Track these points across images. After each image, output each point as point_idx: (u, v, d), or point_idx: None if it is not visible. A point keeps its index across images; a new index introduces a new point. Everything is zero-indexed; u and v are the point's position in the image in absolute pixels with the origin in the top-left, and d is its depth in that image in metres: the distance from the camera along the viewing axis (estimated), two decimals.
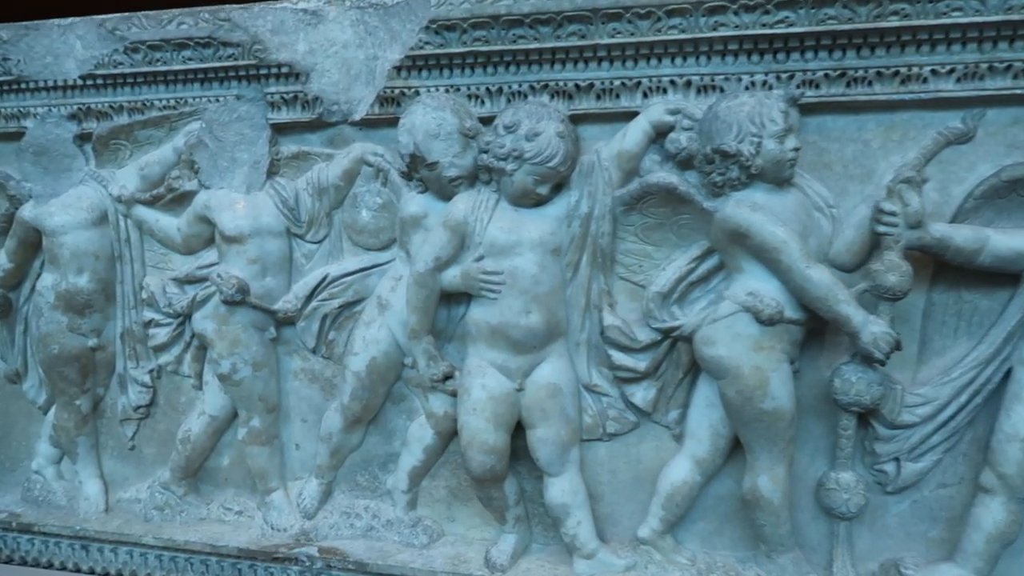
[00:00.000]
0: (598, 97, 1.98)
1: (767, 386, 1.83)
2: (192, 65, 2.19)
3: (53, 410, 2.52)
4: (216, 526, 2.36)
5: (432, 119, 1.98)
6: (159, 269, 2.39)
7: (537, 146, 1.89)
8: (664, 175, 1.91)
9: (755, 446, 1.90)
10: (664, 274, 1.97)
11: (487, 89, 2.04)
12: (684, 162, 1.92)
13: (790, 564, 1.98)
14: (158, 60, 2.21)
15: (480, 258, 1.99)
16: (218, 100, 2.23)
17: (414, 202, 2.10)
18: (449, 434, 2.19)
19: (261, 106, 2.20)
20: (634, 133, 1.93)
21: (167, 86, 2.26)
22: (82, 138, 2.37)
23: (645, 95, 1.95)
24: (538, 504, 2.17)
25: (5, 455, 2.64)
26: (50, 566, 2.48)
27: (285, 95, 2.17)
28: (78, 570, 2.47)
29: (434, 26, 1.99)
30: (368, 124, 2.17)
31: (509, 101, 2.03)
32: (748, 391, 1.84)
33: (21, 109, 2.39)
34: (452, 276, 2.03)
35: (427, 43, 2.02)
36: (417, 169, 2.04)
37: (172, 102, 2.27)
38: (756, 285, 1.84)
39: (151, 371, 2.42)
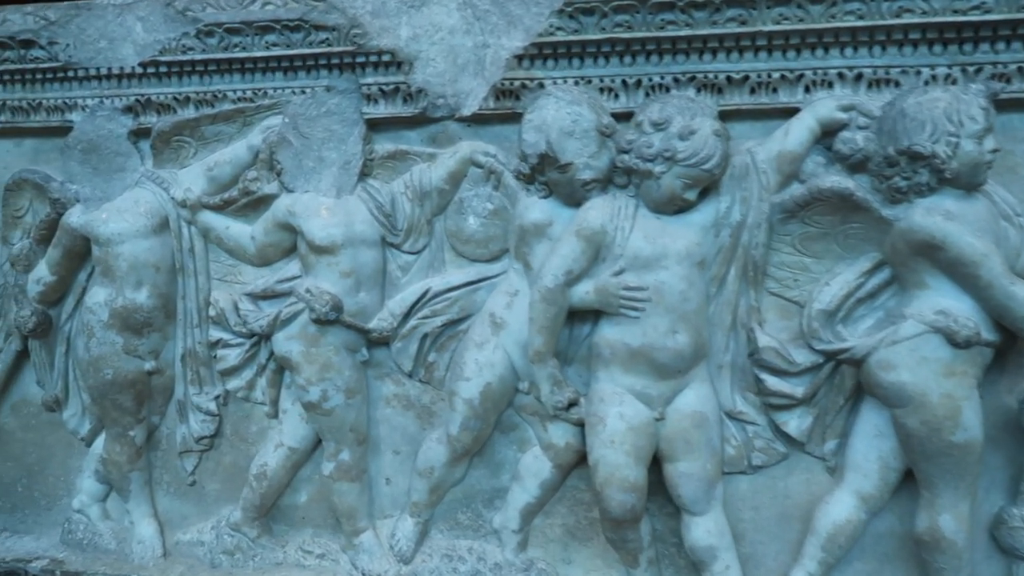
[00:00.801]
0: (752, 91, 1.77)
1: (958, 416, 1.63)
2: (276, 52, 1.93)
3: (101, 442, 2.23)
4: (296, 572, 2.10)
5: (567, 115, 1.75)
6: (227, 283, 2.12)
7: (692, 146, 1.67)
8: (839, 179, 1.70)
9: (937, 481, 1.70)
10: (829, 290, 1.76)
11: (623, 81, 1.82)
12: (856, 165, 1.71)
13: None
14: (236, 45, 1.94)
15: (620, 272, 1.77)
16: (304, 92, 1.96)
17: (537, 208, 1.87)
18: (569, 467, 1.97)
19: (354, 99, 1.95)
20: (798, 132, 1.72)
21: (243, 75, 2.00)
22: (137, 134, 2.09)
23: (807, 89, 1.75)
24: (669, 544, 1.95)
25: (41, 492, 2.33)
26: None
27: (384, 87, 1.92)
28: None
29: (569, 9, 1.76)
30: (477, 120, 1.93)
31: (648, 95, 1.81)
32: (936, 422, 1.64)
33: (67, 101, 2.10)
34: (584, 292, 1.80)
35: (559, 28, 1.78)
36: (543, 171, 1.81)
37: (249, 94, 2.00)
38: (946, 303, 1.64)
39: (217, 397, 2.14)
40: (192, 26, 1.94)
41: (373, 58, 1.90)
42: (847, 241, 1.76)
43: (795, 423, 1.83)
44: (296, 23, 1.88)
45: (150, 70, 2.01)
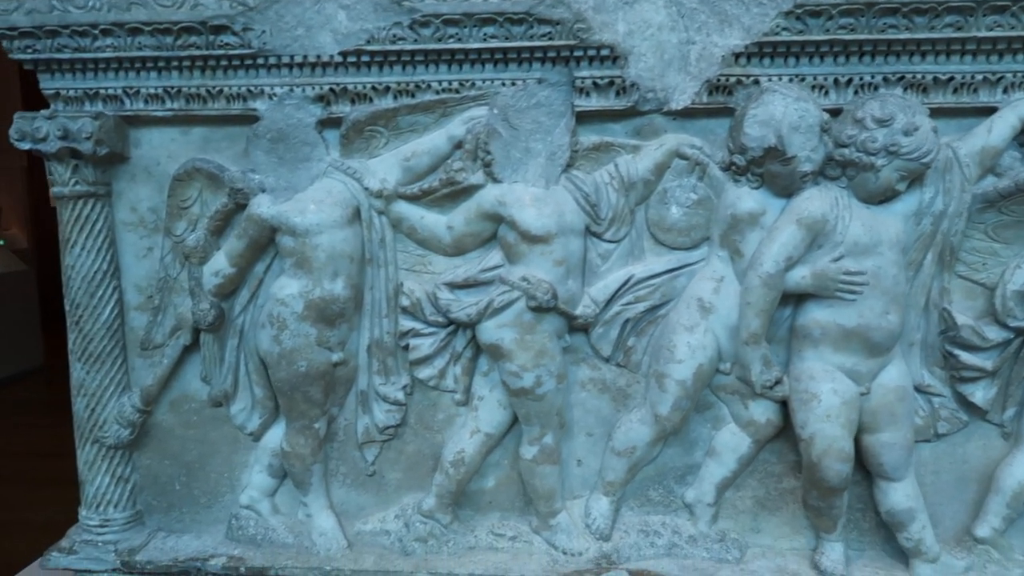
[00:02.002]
0: (955, 91, 1.93)
1: None
2: (493, 44, 1.95)
3: (273, 436, 2.19)
4: (491, 555, 2.14)
5: (795, 110, 1.86)
6: (415, 272, 2.13)
7: (915, 141, 1.82)
8: None
9: None
10: (1022, 272, 1.95)
11: (835, 80, 1.94)
12: None
13: None
14: (451, 37, 1.95)
15: (839, 258, 1.90)
16: (514, 84, 1.99)
17: (751, 198, 1.97)
18: (765, 442, 2.09)
19: (564, 91, 1.99)
20: (1001, 129, 1.90)
21: (450, 66, 2.00)
22: (324, 123, 2.06)
23: (1006, 90, 1.92)
24: (854, 510, 2.11)
25: (201, 490, 2.27)
26: None
27: (598, 80, 1.97)
28: None
29: (798, 11, 1.86)
30: (683, 114, 2.01)
31: (856, 93, 1.94)
32: None
33: (251, 88, 2.05)
34: (800, 277, 1.93)
35: (784, 29, 1.89)
36: (762, 163, 1.91)
37: (455, 84, 2.01)
38: None
39: (404, 387, 2.15)
40: (407, 16, 1.93)
41: (591, 52, 1.94)
42: None
43: (981, 393, 2.02)
44: (521, 16, 1.90)
45: (350, 59, 1.99)
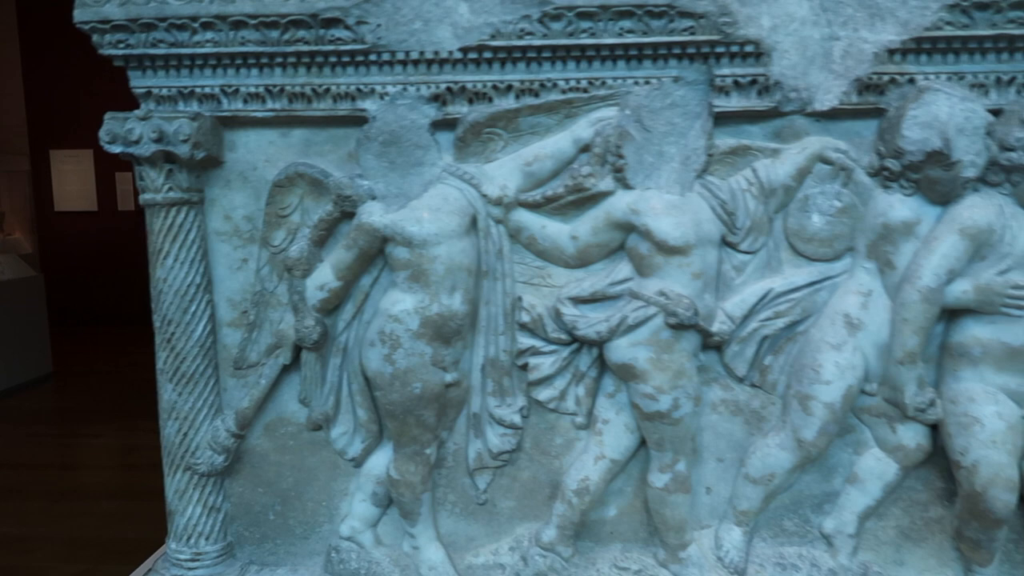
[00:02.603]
0: None
1: None
2: (629, 39, 1.81)
3: (376, 462, 2.04)
4: None
5: (961, 111, 1.73)
6: (532, 286, 1.98)
7: None
8: None
9: None
10: None
11: (997, 78, 1.80)
12: None
13: None
14: (584, 31, 1.81)
15: (1006, 271, 1.76)
16: (647, 82, 1.85)
17: (905, 206, 1.83)
18: (912, 468, 1.95)
19: (700, 91, 1.85)
20: None
21: (579, 64, 1.86)
22: (437, 125, 1.91)
23: None
24: (1007, 540, 1.96)
25: (296, 520, 2.12)
26: None
27: (740, 79, 1.83)
28: None
29: (964, 4, 1.72)
30: (826, 116, 1.87)
31: (1019, 93, 1.80)
32: None
33: (361, 87, 1.90)
34: (961, 291, 1.79)
35: (948, 23, 1.75)
36: (921, 168, 1.78)
37: (584, 83, 1.87)
38: None
39: (520, 409, 2.00)
40: (537, 8, 1.79)
41: (734, 48, 1.80)
42: None
43: None
44: (662, 9, 1.76)
45: (470, 55, 1.84)
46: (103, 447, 5.96)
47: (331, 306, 1.98)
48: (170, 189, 1.94)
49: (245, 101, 1.94)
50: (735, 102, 1.86)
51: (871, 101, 1.83)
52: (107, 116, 1.90)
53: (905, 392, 1.84)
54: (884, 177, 1.85)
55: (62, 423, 6.67)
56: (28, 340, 7.54)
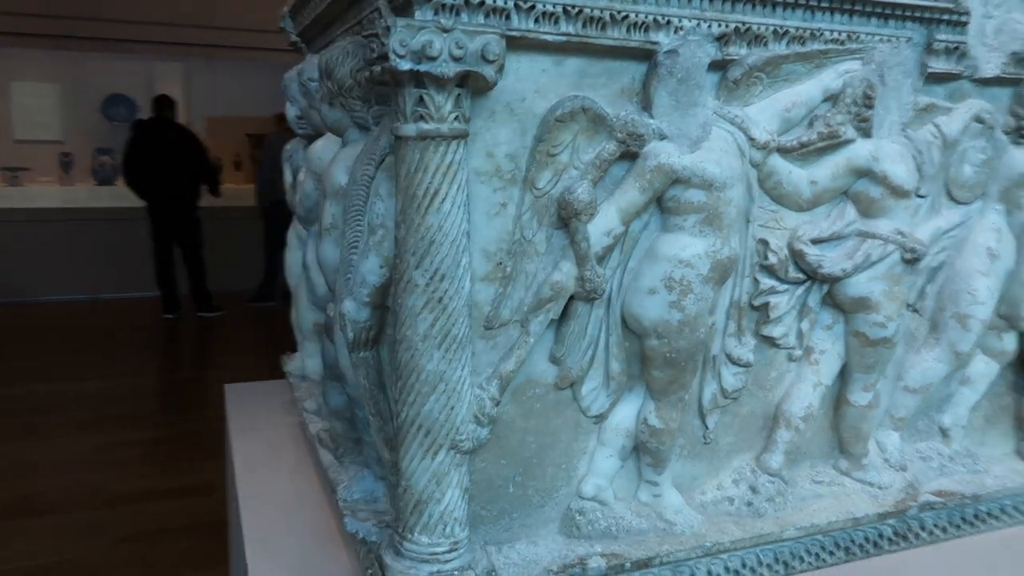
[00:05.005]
0: None
1: None
2: None
3: (650, 412, 1.96)
4: (823, 502, 2.19)
5: None
6: (767, 229, 2.06)
7: None
8: None
9: None
10: None
11: None
12: None
13: None
14: None
15: None
16: (888, 40, 2.03)
17: None
18: (1006, 367, 2.47)
19: (919, 52, 2.09)
20: None
21: (844, 16, 1.96)
22: (711, 66, 1.88)
23: None
24: None
25: (535, 488, 1.95)
26: None
27: (950, 44, 2.10)
28: None
29: None
30: (984, 82, 2.24)
31: None
32: None
33: (658, 18, 1.78)
34: None
35: None
36: None
37: (843, 36, 1.98)
38: None
39: (753, 348, 2.09)
40: None
41: (954, 16, 2.06)
42: None
43: None
44: None
45: None
46: None
47: (608, 253, 1.84)
48: (456, 118, 1.61)
49: (537, 21, 1.68)
50: (942, 64, 2.11)
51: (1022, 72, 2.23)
52: (399, 23, 1.50)
53: (1022, 309, 2.32)
54: (1018, 134, 2.27)
55: None
56: None
